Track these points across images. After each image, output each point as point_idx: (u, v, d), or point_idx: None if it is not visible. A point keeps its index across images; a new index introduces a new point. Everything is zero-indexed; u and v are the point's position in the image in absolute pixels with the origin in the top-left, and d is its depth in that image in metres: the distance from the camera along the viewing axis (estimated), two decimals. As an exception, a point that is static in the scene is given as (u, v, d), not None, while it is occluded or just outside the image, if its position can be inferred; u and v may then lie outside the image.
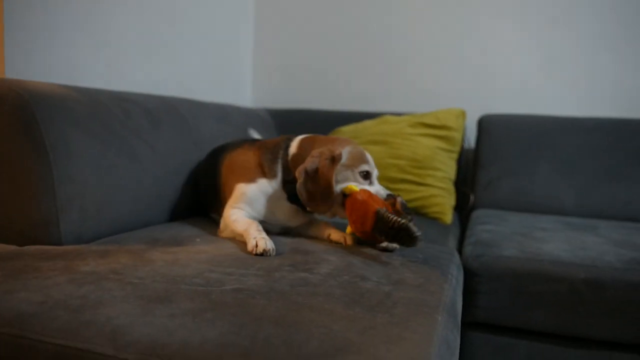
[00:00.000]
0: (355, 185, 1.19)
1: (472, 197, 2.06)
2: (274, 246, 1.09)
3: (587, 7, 2.17)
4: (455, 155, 1.99)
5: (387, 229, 1.05)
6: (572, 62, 2.20)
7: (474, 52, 2.31)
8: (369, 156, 1.26)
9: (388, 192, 1.24)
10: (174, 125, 1.53)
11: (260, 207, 1.28)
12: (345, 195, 1.19)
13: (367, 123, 2.09)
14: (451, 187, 1.95)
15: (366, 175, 1.23)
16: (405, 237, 1.03)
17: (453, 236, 1.71)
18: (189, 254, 1.06)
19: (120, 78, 1.72)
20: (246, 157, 1.33)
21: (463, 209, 2.08)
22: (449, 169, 1.95)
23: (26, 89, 1.11)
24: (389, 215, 1.05)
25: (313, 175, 1.16)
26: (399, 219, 1.03)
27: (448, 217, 1.86)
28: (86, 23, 1.57)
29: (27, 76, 1.29)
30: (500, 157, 2.06)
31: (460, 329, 0.99)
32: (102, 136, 1.23)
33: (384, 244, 1.18)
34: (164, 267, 0.96)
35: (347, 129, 2.11)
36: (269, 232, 1.19)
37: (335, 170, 1.18)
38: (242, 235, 1.17)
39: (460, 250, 1.53)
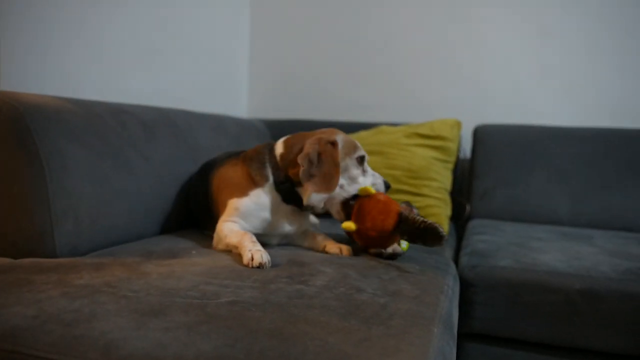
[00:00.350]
0: (370, 187, 1.23)
1: (468, 207, 2.06)
2: (269, 258, 1.08)
3: (579, 18, 2.19)
4: (450, 166, 2.00)
5: (413, 229, 1.12)
6: (565, 72, 2.22)
7: (469, 62, 2.33)
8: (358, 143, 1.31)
9: (383, 179, 1.29)
10: (170, 137, 1.53)
11: (255, 219, 1.26)
12: (359, 196, 1.23)
13: (363, 133, 2.10)
14: (447, 198, 1.95)
15: (361, 161, 1.26)
16: (430, 237, 1.09)
17: (449, 246, 1.71)
18: (184, 267, 1.05)
19: (116, 89, 1.72)
20: (234, 172, 1.32)
21: (459, 219, 2.08)
22: (445, 179, 1.96)
23: (20, 101, 1.11)
24: (414, 216, 1.13)
25: (317, 161, 1.18)
26: (426, 220, 1.11)
27: (444, 227, 1.86)
28: (81, 35, 1.57)
29: (22, 88, 1.29)
30: (495, 167, 2.07)
31: (456, 340, 0.98)
32: (97, 148, 1.23)
33: (391, 249, 1.19)
34: (158, 280, 0.95)
35: (342, 140, 2.11)
36: (265, 245, 1.19)
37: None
38: (236, 247, 1.16)
39: (456, 261, 1.53)
